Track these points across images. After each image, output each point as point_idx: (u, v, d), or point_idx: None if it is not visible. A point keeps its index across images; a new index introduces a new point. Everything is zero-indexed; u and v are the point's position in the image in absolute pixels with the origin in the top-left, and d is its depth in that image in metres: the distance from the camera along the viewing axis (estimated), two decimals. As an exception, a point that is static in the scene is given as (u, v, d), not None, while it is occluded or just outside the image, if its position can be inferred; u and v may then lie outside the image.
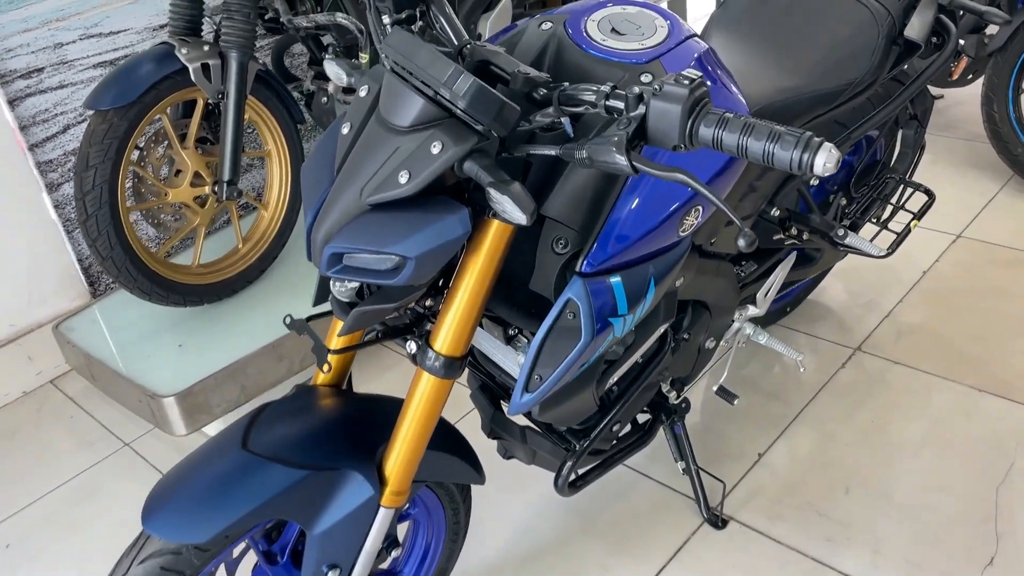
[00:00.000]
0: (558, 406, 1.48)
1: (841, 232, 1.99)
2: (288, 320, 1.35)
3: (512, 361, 1.51)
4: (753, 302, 2.03)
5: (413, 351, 1.32)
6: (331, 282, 1.30)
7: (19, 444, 2.59)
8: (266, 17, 2.55)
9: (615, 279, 1.30)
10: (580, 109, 1.14)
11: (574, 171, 1.30)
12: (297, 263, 2.74)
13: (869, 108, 1.98)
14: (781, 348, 2.04)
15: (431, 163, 1.12)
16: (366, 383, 2.58)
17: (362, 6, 2.48)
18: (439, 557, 1.73)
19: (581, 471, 1.77)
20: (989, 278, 2.69)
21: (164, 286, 2.40)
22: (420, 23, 1.36)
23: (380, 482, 1.36)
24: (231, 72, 2.33)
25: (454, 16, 1.33)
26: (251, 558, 1.53)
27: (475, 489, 2.14)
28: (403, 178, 1.13)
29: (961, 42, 2.22)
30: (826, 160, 0.96)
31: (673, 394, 1.93)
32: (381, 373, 2.63)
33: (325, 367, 1.39)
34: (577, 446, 1.64)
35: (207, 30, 2.44)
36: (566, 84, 1.16)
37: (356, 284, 1.30)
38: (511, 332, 1.48)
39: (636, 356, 1.60)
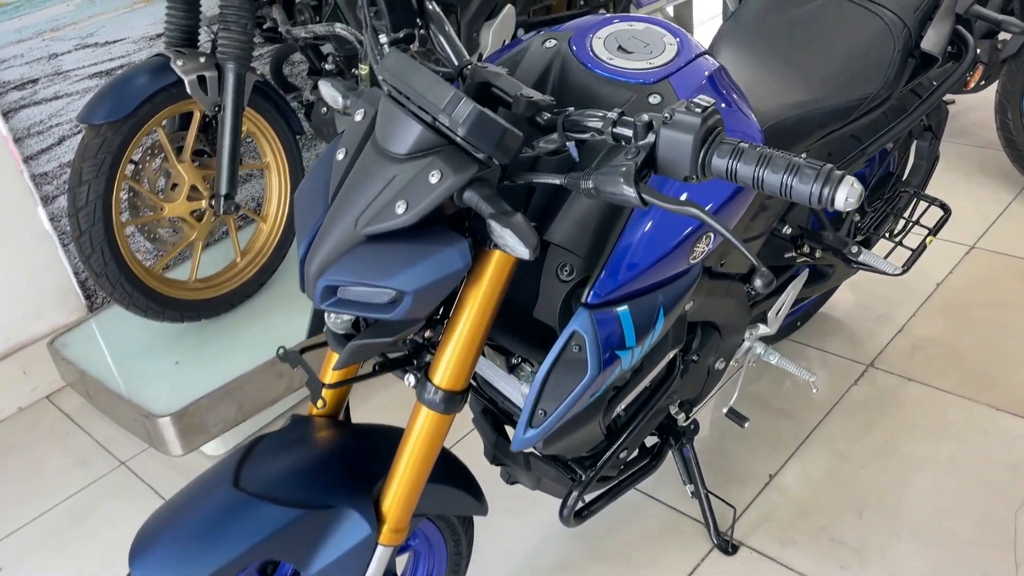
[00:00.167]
0: (564, 438, 1.43)
1: (855, 249, 1.93)
2: (281, 352, 1.30)
3: (516, 390, 1.46)
4: (764, 321, 1.97)
5: (412, 384, 1.27)
6: (326, 313, 1.25)
7: (14, 462, 2.54)
8: (264, 27, 2.50)
9: (622, 309, 1.24)
10: (586, 136, 1.08)
11: (580, 195, 1.25)
12: (297, 277, 2.69)
13: (884, 122, 1.92)
14: (793, 368, 1.98)
15: (429, 193, 1.07)
16: (365, 401, 2.53)
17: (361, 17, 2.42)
18: (440, 589, 1.68)
19: (588, 498, 1.71)
20: (1005, 290, 2.63)
21: (160, 302, 2.35)
22: (418, 42, 1.31)
23: (378, 519, 1.31)
24: (228, 84, 2.28)
25: (454, 35, 1.28)
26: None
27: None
28: (400, 208, 1.08)
29: (977, 50, 2.16)
30: (848, 195, 0.90)
31: (682, 416, 1.88)
32: (379, 391, 2.58)
33: (320, 403, 1.33)
34: (583, 476, 1.58)
35: (205, 39, 2.39)
36: (571, 109, 1.11)
37: (352, 316, 1.24)
38: (514, 361, 1.42)
39: (644, 382, 1.55)
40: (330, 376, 1.35)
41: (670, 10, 4.17)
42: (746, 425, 1.93)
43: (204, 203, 2.40)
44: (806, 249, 1.87)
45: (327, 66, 2.55)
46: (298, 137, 2.61)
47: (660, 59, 1.31)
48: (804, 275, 1.98)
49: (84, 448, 2.56)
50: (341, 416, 1.47)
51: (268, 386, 2.34)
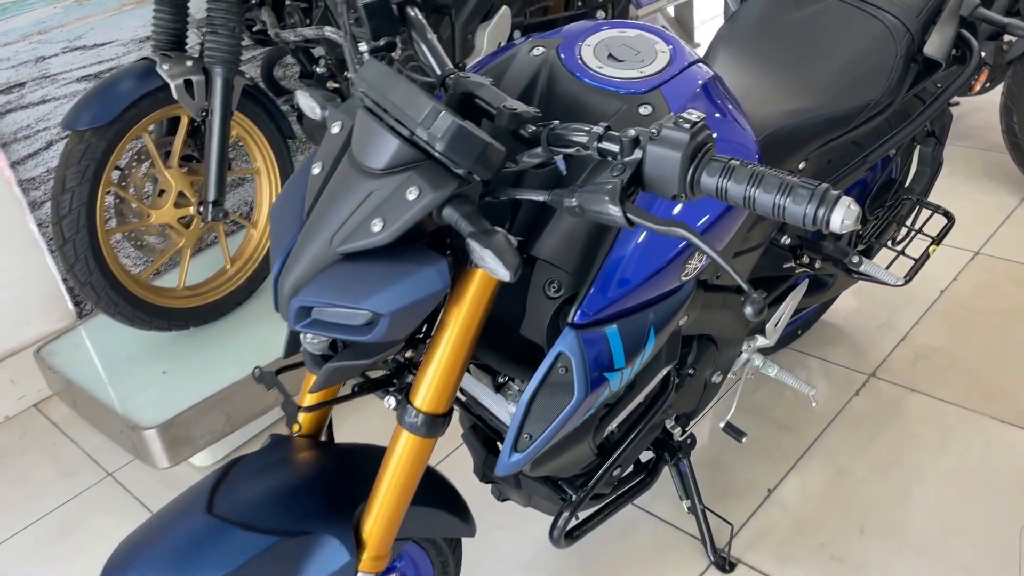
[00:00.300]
0: (552, 460, 1.38)
1: (856, 259, 1.88)
2: (257, 372, 1.25)
3: (503, 409, 1.41)
4: (762, 332, 1.92)
5: (392, 407, 1.22)
6: (302, 333, 1.20)
7: (0, 473, 2.50)
8: (254, 29, 2.45)
9: (611, 329, 1.19)
10: (571, 150, 1.03)
11: None
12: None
13: (887, 128, 1.87)
14: (792, 381, 1.93)
15: (406, 210, 1.02)
16: (352, 414, 2.48)
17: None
18: (427, 611, 1.63)
19: (582, 515, 1.66)
20: (1010, 298, 2.58)
21: (147, 311, 2.30)
22: (401, 50, 1.26)
23: (358, 545, 1.26)
24: (215, 88, 2.23)
25: (436, 43, 1.23)
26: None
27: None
28: (376, 226, 1.03)
29: (982, 53, 2.10)
30: (844, 216, 0.86)
31: (678, 430, 1.83)
32: (368, 402, 2.53)
33: (295, 427, 1.28)
34: (574, 496, 1.53)
35: (195, 42, 2.34)
36: (556, 122, 1.06)
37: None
38: (500, 380, 1.37)
39: (637, 400, 1.50)
40: (308, 398, 1.30)
41: (671, 10, 4.12)
42: (744, 440, 1.88)
43: (192, 210, 2.35)
44: (805, 259, 1.82)
45: (319, 69, 2.51)
46: (289, 142, 2.56)
47: (651, 68, 1.26)
48: (804, 285, 1.93)
49: (71, 458, 2.52)
50: (324, 435, 1.42)
51: (257, 396, 2.30)
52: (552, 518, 1.60)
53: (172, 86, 2.18)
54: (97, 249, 2.16)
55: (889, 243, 2.19)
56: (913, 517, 1.96)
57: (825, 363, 2.44)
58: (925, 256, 1.97)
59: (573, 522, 1.62)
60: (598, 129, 1.00)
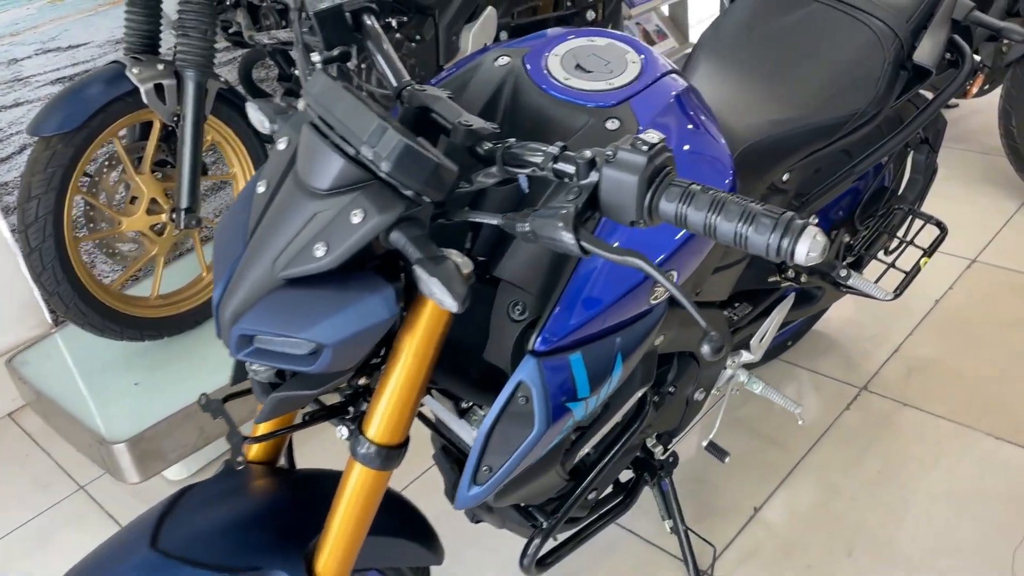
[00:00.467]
0: (518, 489, 1.32)
1: (844, 272, 1.81)
2: (203, 400, 1.19)
3: (468, 434, 1.34)
4: (747, 347, 1.85)
5: (345, 437, 1.15)
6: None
7: (-29, 485, 2.45)
8: (230, 31, 2.39)
9: (575, 356, 1.13)
10: (526, 171, 0.97)
11: None
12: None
13: (877, 136, 1.80)
14: (777, 398, 1.87)
15: (351, 235, 0.95)
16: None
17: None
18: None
19: (560, 538, 1.60)
20: (1007, 308, 2.51)
21: (118, 321, 2.24)
22: (357, 62, 1.19)
23: (311, 581, 1.20)
24: (187, 93, 2.17)
25: (393, 54, 1.16)
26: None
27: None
28: (319, 251, 0.97)
29: (977, 58, 2.03)
30: (809, 248, 0.79)
31: (660, 448, 1.77)
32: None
33: (239, 459, 1.21)
34: (545, 523, 1.47)
35: (171, 44, 2.27)
36: (512, 140, 0.99)
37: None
38: (464, 405, 1.31)
39: (611, 423, 1.43)
40: (259, 427, 1.24)
41: (665, 9, 4.05)
42: (727, 460, 1.82)
43: (165, 217, 2.29)
44: (790, 273, 1.76)
45: (296, 72, 2.44)
46: (267, 146, 2.50)
47: (621, 79, 1.20)
48: (790, 299, 1.87)
49: (44, 470, 2.46)
50: (282, 461, 1.36)
51: (232, 408, 2.22)
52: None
53: (142, 90, 2.11)
54: (65, 258, 2.10)
55: (883, 252, 2.13)
56: (903, 537, 1.89)
57: (816, 375, 2.37)
58: (916, 269, 1.90)
59: (547, 547, 1.55)
60: (553, 149, 0.94)
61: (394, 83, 1.15)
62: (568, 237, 0.88)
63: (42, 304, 2.68)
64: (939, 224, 1.97)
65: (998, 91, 2.93)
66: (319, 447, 2.23)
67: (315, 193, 0.99)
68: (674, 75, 1.25)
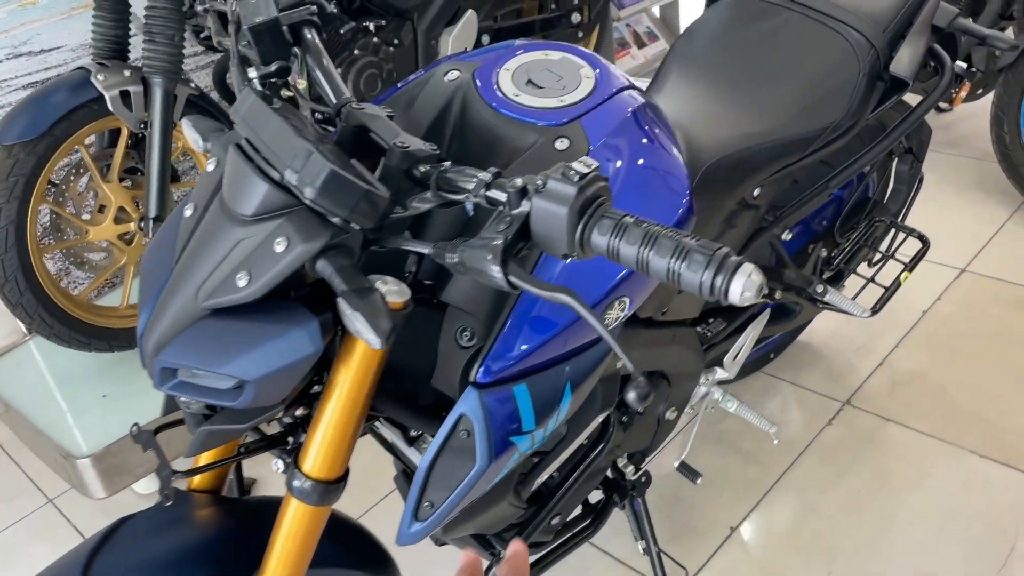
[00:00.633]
0: (468, 521, 1.27)
1: (820, 288, 1.76)
2: (135, 430, 1.14)
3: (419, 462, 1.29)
4: (721, 364, 1.80)
5: (281, 471, 1.11)
6: (173, 393, 1.09)
7: (-61, 497, 2.41)
8: (202, 35, 2.34)
9: (519, 387, 1.08)
10: (460, 197, 0.92)
11: None
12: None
13: (858, 145, 1.74)
14: (752, 418, 1.82)
15: (274, 264, 0.91)
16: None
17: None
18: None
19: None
20: (996, 320, 2.45)
21: (85, 332, 2.19)
22: (296, 78, 1.14)
23: (251, 616, 1.15)
24: (154, 99, 2.12)
25: (333, 70, 1.11)
26: None
27: (407, 567, 1.93)
28: (241, 281, 0.92)
29: (963, 65, 1.98)
30: (744, 288, 0.74)
31: (631, 468, 1.72)
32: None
33: (166, 495, 1.16)
34: (502, 552, 1.42)
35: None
36: (447, 164, 0.95)
37: (200, 400, 1.08)
38: (413, 433, 1.26)
39: (571, 448, 1.38)
40: (186, 463, 1.19)
41: (656, 10, 3.99)
42: (699, 481, 1.77)
43: (133, 225, 2.24)
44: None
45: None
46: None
47: (572, 96, 1.15)
48: (766, 314, 1.82)
49: (13, 482, 2.42)
50: (228, 489, 1.31)
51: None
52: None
53: (107, 98, 2.07)
54: (28, 269, 2.05)
55: (867, 263, 2.08)
56: (883, 559, 1.84)
57: (798, 389, 2.32)
58: (896, 284, 1.85)
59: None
60: (486, 176, 0.89)
61: (333, 100, 1.10)
62: (495, 271, 0.83)
63: (14, 312, 2.64)
64: (921, 237, 1.91)
65: (991, 96, 2.88)
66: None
67: (240, 219, 0.94)
68: (631, 91, 1.20)
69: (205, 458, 1.22)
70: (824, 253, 1.85)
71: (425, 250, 0.92)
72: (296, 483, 1.07)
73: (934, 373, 2.30)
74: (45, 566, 1.17)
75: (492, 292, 1.11)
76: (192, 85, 2.23)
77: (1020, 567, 1.78)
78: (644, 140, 1.16)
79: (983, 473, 2.00)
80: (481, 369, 1.07)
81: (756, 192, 1.52)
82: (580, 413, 1.34)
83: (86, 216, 2.24)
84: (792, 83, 1.54)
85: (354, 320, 0.87)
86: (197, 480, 1.27)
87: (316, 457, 1.06)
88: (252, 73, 1.11)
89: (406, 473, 1.52)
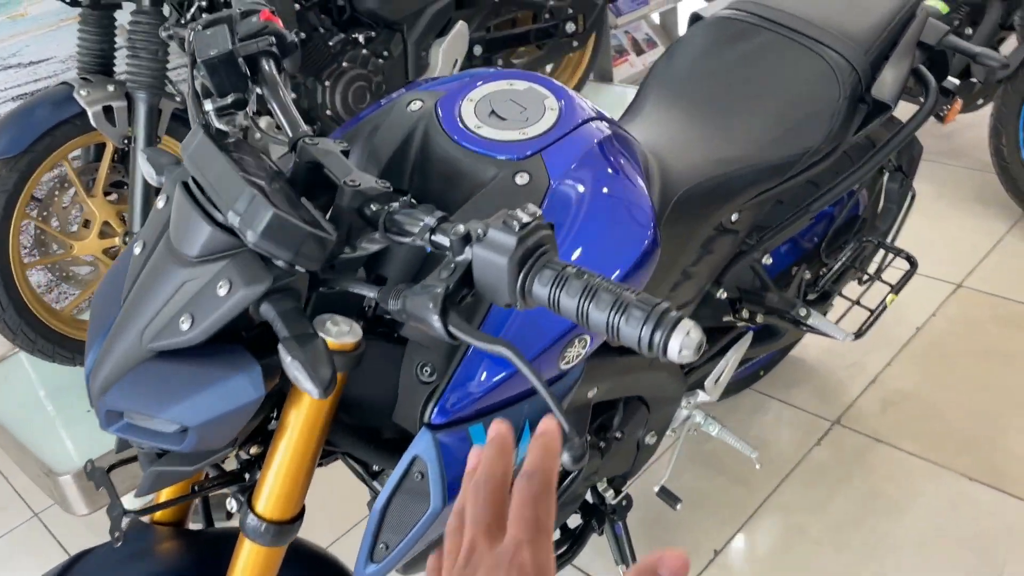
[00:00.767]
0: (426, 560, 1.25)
1: (803, 312, 1.73)
2: (88, 467, 1.13)
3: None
4: (703, 387, 1.78)
5: (234, 510, 1.09)
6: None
7: (-73, 510, 2.41)
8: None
9: (475, 427, 1.06)
10: (407, 240, 0.90)
11: None
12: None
13: (846, 165, 1.71)
14: (734, 442, 1.79)
15: (216, 307, 0.89)
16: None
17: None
18: None
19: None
20: (991, 338, 2.42)
21: (69, 347, 2.19)
22: (256, 108, 1.13)
23: (208, 654, 1.14)
24: (138, 115, 2.11)
25: (290, 103, 1.09)
26: None
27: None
28: (184, 324, 0.90)
29: (955, 82, 1.94)
30: (682, 345, 0.72)
31: (611, 493, 1.70)
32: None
33: (116, 535, 1.15)
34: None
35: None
36: (396, 204, 0.93)
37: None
38: (375, 469, 1.24)
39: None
40: (136, 502, 1.18)
41: (655, 17, 3.96)
42: (679, 507, 1.74)
43: (118, 240, 2.23)
44: (745, 314, 1.68)
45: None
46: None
47: (535, 128, 1.13)
48: (748, 337, 1.79)
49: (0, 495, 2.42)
50: (192, 522, 1.30)
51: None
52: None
53: (90, 113, 2.06)
54: (11, 284, 2.05)
55: (858, 282, 2.05)
56: (867, 587, 1.82)
57: (787, 407, 2.29)
58: (882, 307, 1.82)
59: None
60: (430, 220, 0.87)
61: (290, 134, 1.09)
62: (435, 320, 0.81)
63: (4, 324, 2.63)
64: (909, 258, 1.88)
65: (989, 108, 2.84)
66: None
67: (185, 260, 0.93)
68: (597, 122, 1.17)
69: (165, 494, 1.20)
70: (808, 275, 1.82)
71: (371, 294, 0.90)
72: (250, 523, 1.06)
73: (926, 392, 2.27)
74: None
75: (452, 328, 1.09)
76: (178, 99, 2.22)
77: (1007, 595, 1.75)
78: (609, 171, 1.14)
79: (973, 496, 1.97)
80: (436, 409, 1.05)
81: (734, 217, 1.50)
82: (549, 445, 1.31)
83: (72, 231, 2.24)
84: (771, 107, 1.51)
85: (292, 368, 0.85)
86: (159, 512, 1.25)
87: (269, 498, 1.05)
88: (208, 105, 1.09)
89: (378, 499, 1.51)
